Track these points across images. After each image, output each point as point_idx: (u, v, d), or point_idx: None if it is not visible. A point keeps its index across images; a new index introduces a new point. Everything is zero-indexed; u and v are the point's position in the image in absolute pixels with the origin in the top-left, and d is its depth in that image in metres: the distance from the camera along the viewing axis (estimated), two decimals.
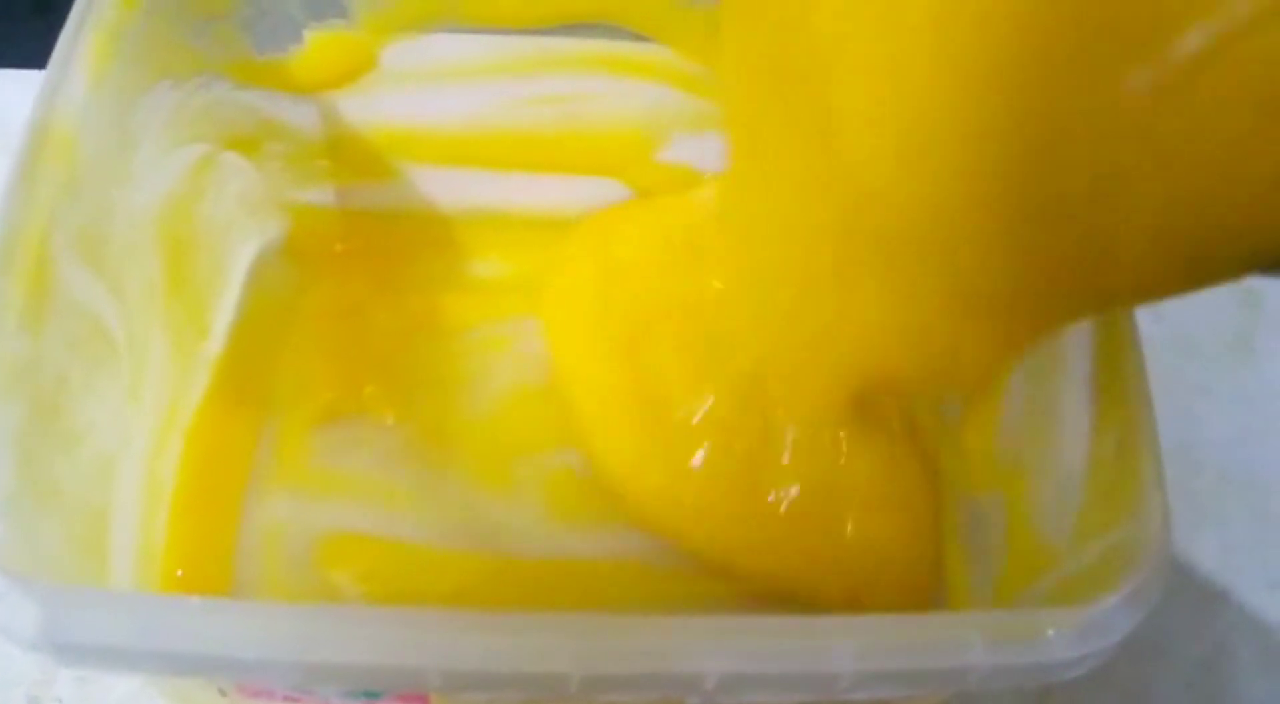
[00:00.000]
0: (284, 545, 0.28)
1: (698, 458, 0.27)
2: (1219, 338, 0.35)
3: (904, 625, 0.18)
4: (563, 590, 0.28)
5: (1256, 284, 0.36)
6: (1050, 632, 0.18)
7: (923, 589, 0.27)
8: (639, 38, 0.29)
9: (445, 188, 0.33)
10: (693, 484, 0.27)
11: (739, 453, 0.27)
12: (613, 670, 0.18)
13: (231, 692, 0.22)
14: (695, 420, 0.27)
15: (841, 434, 0.26)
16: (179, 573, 0.26)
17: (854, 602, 0.27)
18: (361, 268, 0.33)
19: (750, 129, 0.23)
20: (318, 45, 0.29)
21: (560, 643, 0.18)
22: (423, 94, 0.31)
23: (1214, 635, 0.31)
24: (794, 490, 0.27)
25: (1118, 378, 0.21)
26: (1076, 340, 0.23)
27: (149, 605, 0.19)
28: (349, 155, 0.32)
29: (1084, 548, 0.21)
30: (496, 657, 0.18)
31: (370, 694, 0.21)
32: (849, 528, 0.26)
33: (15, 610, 0.18)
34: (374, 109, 0.31)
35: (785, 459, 0.27)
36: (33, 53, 0.24)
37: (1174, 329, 0.35)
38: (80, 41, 0.24)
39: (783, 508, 0.26)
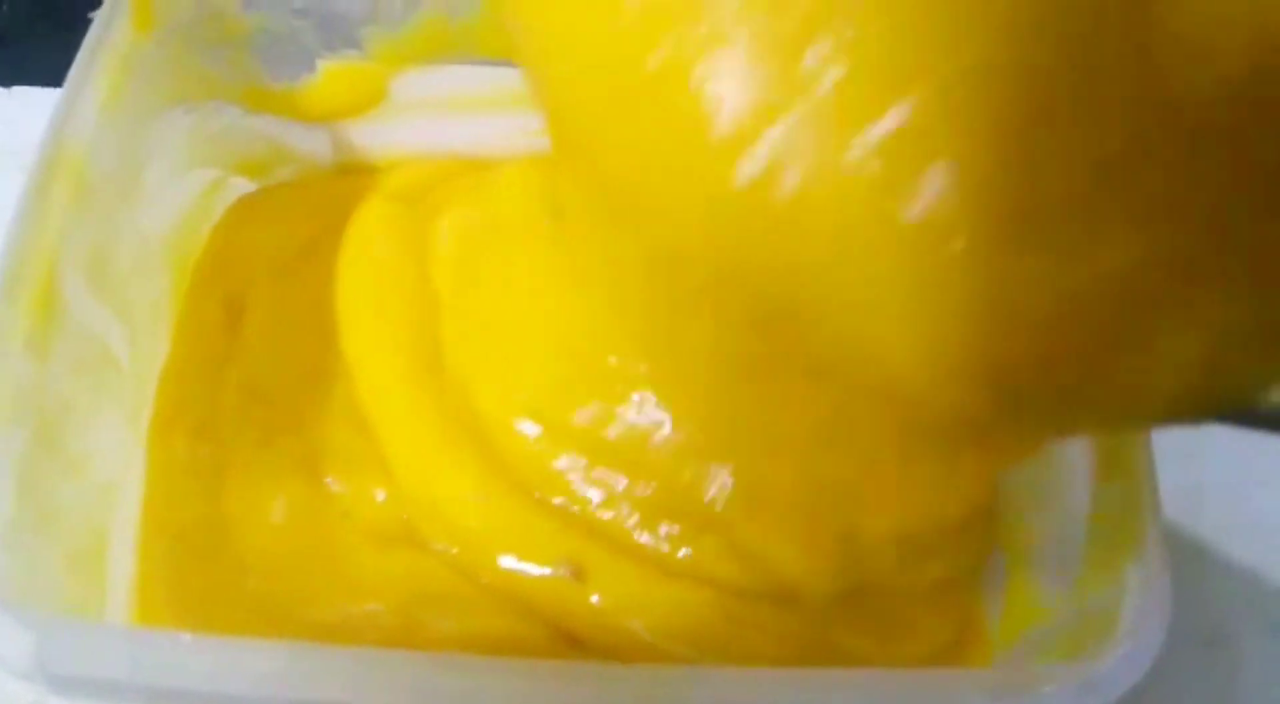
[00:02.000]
0: None
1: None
2: None
3: (901, 680, 0.18)
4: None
5: None
6: (1047, 688, 0.18)
7: None
8: None
9: None
10: None
11: None
12: None
13: None
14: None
15: None
16: None
17: None
18: None
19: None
20: (330, 75, 0.30)
21: (546, 688, 0.18)
22: (432, 123, 0.31)
23: (1216, 681, 0.30)
24: None
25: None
26: None
27: (141, 640, 0.19)
28: None
29: (1083, 602, 0.20)
30: (486, 699, 0.18)
31: None
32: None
33: (9, 639, 0.18)
34: (384, 137, 0.31)
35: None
36: (57, 70, 0.24)
37: None
38: (93, 66, 0.24)
39: None
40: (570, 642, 0.23)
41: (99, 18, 0.25)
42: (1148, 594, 0.19)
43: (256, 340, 0.27)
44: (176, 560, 0.24)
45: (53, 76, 0.25)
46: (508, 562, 0.23)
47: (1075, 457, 0.22)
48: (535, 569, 0.23)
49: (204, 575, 0.24)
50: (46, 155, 0.23)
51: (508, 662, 0.20)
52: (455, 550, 0.24)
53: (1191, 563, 0.32)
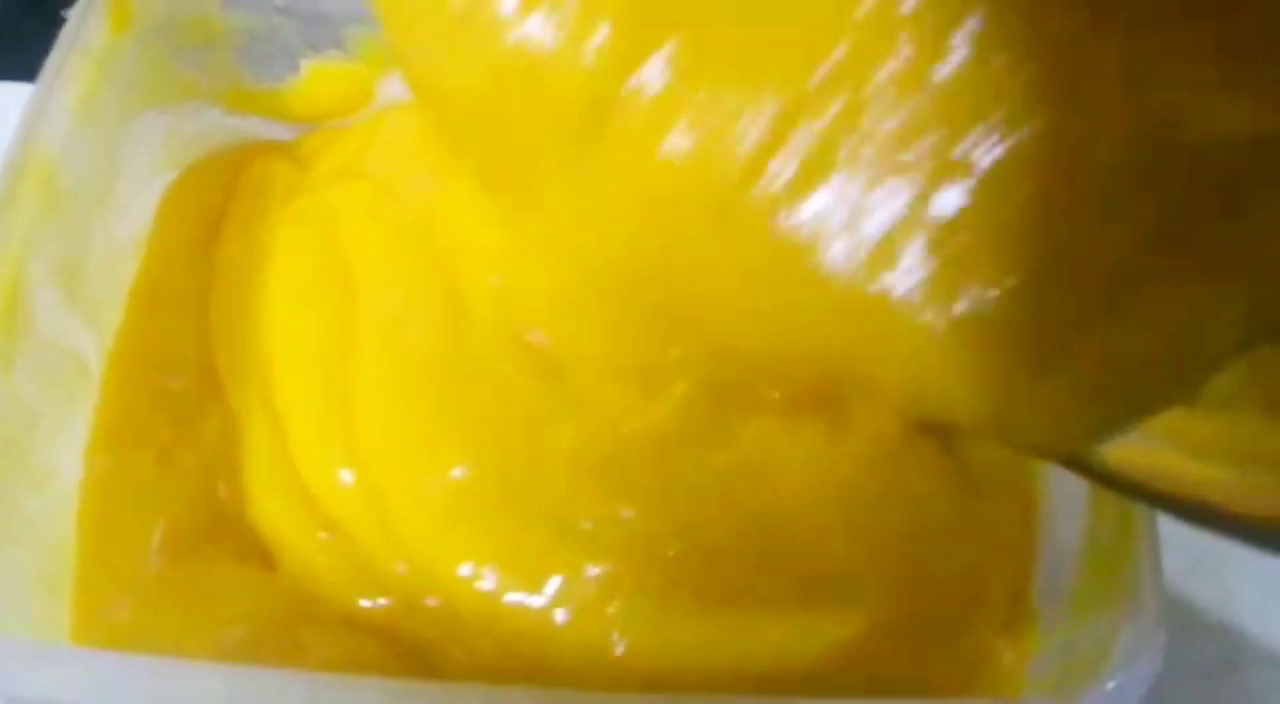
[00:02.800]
0: None
1: None
2: None
3: None
4: None
5: None
6: None
7: None
8: None
9: None
10: None
11: None
12: None
13: None
14: None
15: None
16: None
17: None
18: None
19: None
20: (314, 76, 0.29)
21: None
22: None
23: None
24: None
25: None
26: None
27: (100, 663, 0.19)
28: None
29: (1076, 632, 0.20)
30: None
31: None
32: None
33: None
34: None
35: None
36: (36, 66, 0.24)
37: None
38: (66, 67, 0.24)
39: None
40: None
41: (73, 16, 0.25)
42: (1141, 626, 0.18)
43: (165, 334, 0.24)
44: (85, 589, 0.22)
45: (34, 72, 0.24)
46: (367, 603, 0.21)
47: (1069, 485, 0.22)
48: (401, 609, 0.21)
49: (85, 608, 0.21)
50: (14, 160, 0.22)
51: (489, 688, 0.19)
52: (314, 584, 0.21)
53: (1191, 590, 0.31)
